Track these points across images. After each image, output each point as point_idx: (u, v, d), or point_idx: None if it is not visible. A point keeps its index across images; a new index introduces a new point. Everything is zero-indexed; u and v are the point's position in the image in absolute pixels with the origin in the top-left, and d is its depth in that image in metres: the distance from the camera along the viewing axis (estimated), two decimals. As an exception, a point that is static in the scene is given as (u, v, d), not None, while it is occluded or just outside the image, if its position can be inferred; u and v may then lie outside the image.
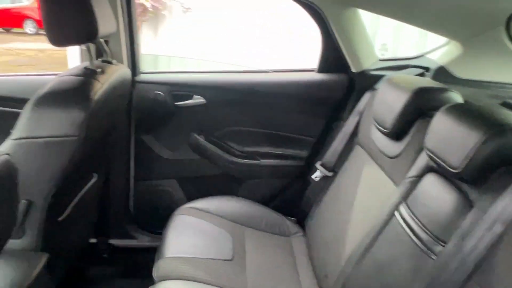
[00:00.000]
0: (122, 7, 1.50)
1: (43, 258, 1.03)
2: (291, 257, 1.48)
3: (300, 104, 1.69)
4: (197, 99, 1.67)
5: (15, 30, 13.28)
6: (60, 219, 1.19)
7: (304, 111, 1.70)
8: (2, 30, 13.50)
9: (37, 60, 8.68)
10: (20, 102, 1.28)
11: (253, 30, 5.18)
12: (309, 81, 1.69)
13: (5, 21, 13.37)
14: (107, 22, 1.15)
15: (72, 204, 1.26)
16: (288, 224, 1.61)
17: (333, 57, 1.63)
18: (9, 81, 1.66)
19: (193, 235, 1.40)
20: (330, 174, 1.55)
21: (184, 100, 1.67)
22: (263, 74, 1.75)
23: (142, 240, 1.79)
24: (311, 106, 1.69)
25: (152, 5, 6.04)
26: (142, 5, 5.99)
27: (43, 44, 10.41)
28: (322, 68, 1.69)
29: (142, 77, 1.67)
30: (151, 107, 1.66)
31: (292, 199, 1.73)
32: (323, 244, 1.41)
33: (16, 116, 1.03)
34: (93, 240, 1.76)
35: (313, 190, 1.60)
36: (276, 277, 1.35)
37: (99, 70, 1.17)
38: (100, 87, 1.11)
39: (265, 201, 1.72)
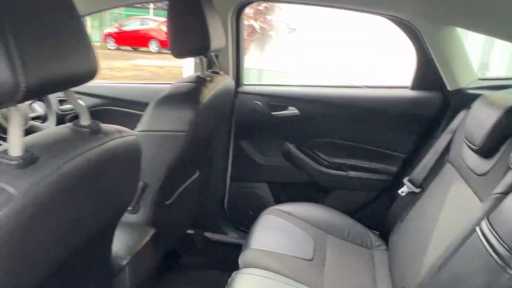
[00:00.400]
0: (231, 27, 1.72)
1: (151, 232, 1.24)
2: (370, 269, 1.50)
3: (392, 120, 1.72)
4: (292, 110, 1.80)
5: (141, 49, 15.03)
6: (167, 202, 1.40)
7: (395, 127, 1.73)
8: (131, 49, 15.37)
9: (157, 75, 9.76)
10: (143, 105, 1.55)
11: (350, 48, 5.30)
12: (402, 98, 1.72)
13: (134, 41, 15.24)
14: (218, 39, 1.35)
15: (177, 192, 1.47)
16: (371, 236, 1.64)
17: (428, 75, 1.64)
18: (136, 88, 1.99)
19: (277, 233, 1.51)
20: (417, 190, 1.55)
21: (279, 111, 1.81)
22: (357, 89, 1.82)
23: (232, 236, 1.96)
24: (403, 123, 1.71)
25: (261, 26, 6.44)
26: (251, 26, 6.42)
27: (163, 61, 11.64)
28: (416, 85, 1.70)
29: (244, 88, 1.87)
30: (250, 116, 1.84)
31: (377, 212, 1.75)
32: (404, 258, 1.42)
33: (139, 117, 1.27)
34: (190, 231, 1.97)
35: (398, 205, 1.61)
36: (353, 284, 1.39)
37: (208, 78, 1.38)
38: (208, 93, 1.30)
39: (350, 212, 1.77)
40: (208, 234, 1.98)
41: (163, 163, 1.24)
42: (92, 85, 1.88)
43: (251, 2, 1.74)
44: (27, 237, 0.57)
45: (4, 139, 1.51)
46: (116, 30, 16.26)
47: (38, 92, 0.57)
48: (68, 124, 0.75)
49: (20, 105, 0.58)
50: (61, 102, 1.93)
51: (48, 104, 1.80)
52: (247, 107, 1.84)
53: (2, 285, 0.56)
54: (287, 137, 1.86)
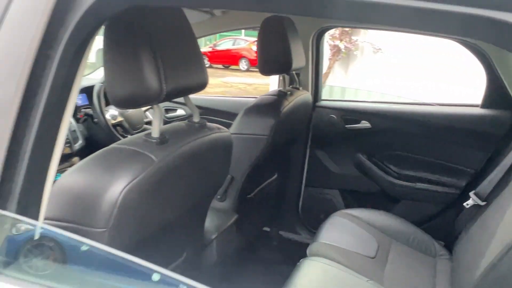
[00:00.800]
0: (312, 49, 1.96)
1: (234, 217, 1.51)
2: (431, 276, 1.59)
3: (462, 136, 1.81)
4: (364, 124, 1.97)
5: (232, 67, 15.94)
6: (249, 196, 1.66)
7: (464, 143, 1.81)
8: (222, 67, 16.36)
9: (245, 92, 10.35)
10: (231, 115, 1.84)
11: (429, 72, 5.33)
12: (472, 116, 1.80)
13: (226, 59, 16.22)
14: (299, 60, 1.60)
15: (258, 189, 1.73)
16: (436, 245, 1.72)
17: (497, 94, 1.71)
18: (226, 101, 2.32)
19: (343, 232, 1.68)
20: (482, 203, 1.62)
21: (352, 124, 2.00)
22: (427, 106, 1.94)
23: (304, 237, 2.16)
24: (472, 139, 1.79)
25: (346, 46, 6.62)
26: (336, 46, 6.64)
27: (252, 79, 12.26)
28: (486, 104, 1.78)
29: (321, 103, 2.09)
30: (326, 128, 2.05)
31: (443, 224, 1.83)
32: (465, 268, 1.49)
33: (227, 124, 1.56)
34: (266, 229, 2.21)
35: (464, 217, 1.69)
36: (411, 286, 1.50)
37: (288, 93, 1.63)
38: (287, 104, 1.55)
39: (416, 222, 1.87)
40: (282, 233, 2.21)
41: (247, 160, 1.50)
42: (194, 97, 2.24)
43: (331, 28, 1.96)
44: (156, 193, 0.85)
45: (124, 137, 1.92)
46: (210, 49, 17.46)
47: (172, 96, 0.86)
48: (185, 121, 1.05)
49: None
50: (167, 111, 2.35)
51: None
52: (323, 120, 2.05)
53: (127, 230, 0.81)
54: (359, 148, 2.03)
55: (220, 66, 16.51)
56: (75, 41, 0.59)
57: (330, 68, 6.78)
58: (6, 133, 0.56)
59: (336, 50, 6.69)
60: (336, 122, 2.03)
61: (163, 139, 0.86)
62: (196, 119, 1.02)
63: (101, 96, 1.93)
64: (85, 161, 0.80)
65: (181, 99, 0.98)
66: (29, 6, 0.57)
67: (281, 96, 1.59)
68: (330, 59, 6.66)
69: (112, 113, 1.98)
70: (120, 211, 0.74)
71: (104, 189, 0.73)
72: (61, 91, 0.60)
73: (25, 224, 0.54)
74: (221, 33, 17.02)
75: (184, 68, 0.89)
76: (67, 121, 0.64)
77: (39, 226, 0.56)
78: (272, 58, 1.53)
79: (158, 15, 0.83)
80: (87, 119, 1.94)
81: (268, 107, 1.52)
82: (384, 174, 1.98)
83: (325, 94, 2.78)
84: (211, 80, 12.12)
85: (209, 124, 1.05)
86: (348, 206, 2.04)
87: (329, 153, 2.10)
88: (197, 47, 0.95)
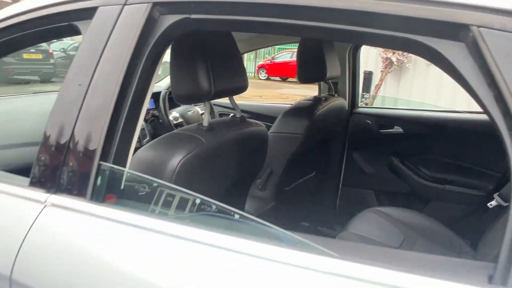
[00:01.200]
0: (349, 61, 2.18)
1: (271, 203, 1.75)
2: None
3: (489, 141, 1.92)
4: (397, 129, 2.15)
5: (290, 79, 16.24)
6: (286, 188, 1.90)
7: (492, 147, 1.92)
8: (279, 79, 16.70)
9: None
10: (274, 119, 2.10)
11: None
12: None
13: (283, 72, 16.57)
14: (333, 70, 1.83)
15: (295, 183, 1.96)
16: (462, 243, 1.85)
17: None
18: (270, 107, 2.59)
19: (372, 225, 1.86)
20: (505, 204, 1.74)
21: (386, 129, 2.18)
22: (457, 113, 2.08)
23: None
24: (499, 143, 1.90)
25: (398, 59, 6.66)
26: (388, 59, 6.70)
27: (307, 90, 12.48)
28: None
29: (358, 109, 2.29)
30: (362, 132, 2.24)
31: (470, 224, 1.95)
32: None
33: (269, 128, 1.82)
34: (305, 223, 2.43)
35: (488, 217, 1.81)
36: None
37: (323, 98, 1.86)
38: (321, 108, 1.79)
39: (444, 222, 2.00)
40: (320, 228, 2.41)
41: (284, 156, 1.75)
42: (242, 103, 2.54)
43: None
44: (204, 167, 1.12)
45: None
46: (268, 62, 17.92)
47: (218, 96, 1.14)
48: (229, 116, 1.32)
49: (200, 112, 1.16)
50: (221, 115, 2.66)
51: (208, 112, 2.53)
52: (360, 125, 2.25)
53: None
54: (392, 152, 2.20)
55: (278, 78, 16.91)
56: (152, 55, 0.88)
57: (382, 80, 6.84)
58: (106, 121, 0.86)
59: (388, 63, 6.75)
60: (371, 127, 2.22)
61: (211, 127, 1.15)
62: (238, 115, 1.30)
63: (166, 100, 2.28)
64: (154, 141, 1.10)
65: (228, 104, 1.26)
66: (126, 31, 0.87)
67: (316, 101, 1.83)
68: (382, 71, 6.74)
69: (174, 115, 2.34)
70: (177, 177, 1.02)
71: (167, 160, 1.02)
72: (140, 94, 0.89)
73: (119, 170, 0.84)
74: (279, 46, 17.46)
75: (228, 75, 1.16)
76: (142, 117, 0.93)
77: (126, 171, 0.86)
78: (308, 67, 1.77)
79: (210, 34, 1.11)
80: (154, 120, 2.30)
81: (302, 110, 1.76)
82: (415, 176, 2.14)
83: (376, 103, 2.94)
84: (268, 92, 12.54)
85: (248, 119, 1.32)
86: (381, 205, 2.21)
87: (364, 155, 2.29)
88: (239, 58, 1.23)
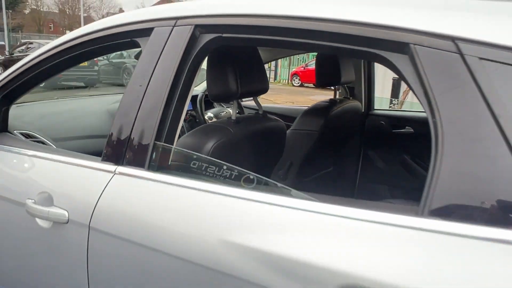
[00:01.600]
0: (364, 68, 2.43)
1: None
2: None
3: None
4: (408, 129, 2.37)
5: (322, 85, 16.34)
6: (305, 180, 2.16)
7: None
8: (313, 86, 16.89)
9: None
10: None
11: None
12: None
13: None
14: (347, 76, 2.09)
15: (313, 176, 2.22)
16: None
17: None
18: (292, 108, 2.87)
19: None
20: None
21: (398, 129, 2.40)
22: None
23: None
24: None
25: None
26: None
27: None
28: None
29: (374, 111, 2.53)
30: (377, 132, 2.48)
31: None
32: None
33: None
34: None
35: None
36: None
37: (338, 101, 2.12)
38: (336, 109, 2.05)
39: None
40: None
41: (302, 149, 2.02)
42: (270, 105, 2.84)
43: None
44: (232, 152, 1.41)
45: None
46: (301, 69, 18.15)
47: (244, 96, 1.43)
48: (253, 112, 1.61)
49: (231, 112, 1.46)
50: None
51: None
52: (375, 125, 2.49)
53: None
54: (404, 150, 2.42)
55: (311, 85, 17.11)
56: (193, 64, 1.18)
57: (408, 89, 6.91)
58: (159, 113, 1.16)
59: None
60: (385, 127, 2.45)
61: (238, 121, 1.44)
62: (260, 111, 1.59)
63: (202, 102, 2.61)
64: (193, 131, 1.41)
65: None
66: (175, 45, 1.18)
67: (332, 103, 2.09)
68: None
69: (209, 115, 2.66)
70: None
71: (203, 145, 1.32)
72: (184, 94, 1.19)
73: (168, 147, 1.15)
74: (313, 54, 17.64)
75: (252, 80, 1.46)
76: (185, 111, 1.24)
77: (173, 148, 1.17)
78: (325, 73, 2.04)
79: (237, 48, 1.41)
80: (191, 119, 2.64)
81: (319, 110, 2.03)
82: (424, 172, 2.34)
83: (405, 107, 3.12)
84: (300, 98, 12.78)
85: (269, 115, 1.61)
86: (394, 199, 2.42)
87: (379, 153, 2.52)
88: (261, 66, 1.52)
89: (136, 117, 1.19)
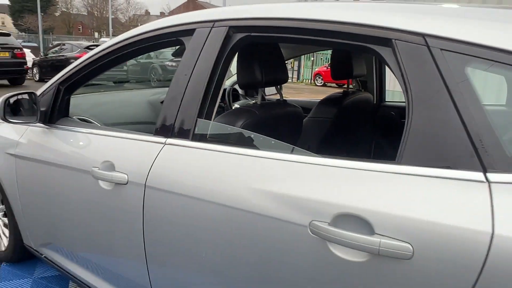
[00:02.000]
0: (375, 62, 2.68)
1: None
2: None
3: None
4: (415, 119, 2.61)
5: (345, 85, 16.45)
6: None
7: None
8: (335, 85, 16.99)
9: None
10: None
11: None
12: None
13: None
14: (359, 70, 2.35)
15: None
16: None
17: None
18: (310, 101, 3.15)
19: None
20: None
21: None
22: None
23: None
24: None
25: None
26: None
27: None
28: None
29: (385, 103, 2.78)
30: (388, 121, 2.73)
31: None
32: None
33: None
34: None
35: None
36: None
37: (351, 92, 2.39)
38: (348, 99, 2.32)
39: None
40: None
41: (318, 134, 2.30)
42: (290, 98, 3.13)
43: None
44: (256, 131, 1.71)
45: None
46: (324, 69, 18.30)
47: (268, 84, 1.72)
48: (275, 99, 1.91)
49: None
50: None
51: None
52: (385, 116, 2.74)
53: None
54: None
55: (334, 84, 17.25)
56: (227, 58, 1.49)
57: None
58: (200, 96, 1.46)
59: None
60: (394, 117, 2.70)
61: (262, 105, 1.74)
62: (281, 98, 1.88)
63: (230, 94, 2.93)
64: (224, 113, 1.72)
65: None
66: (212, 43, 1.48)
67: (344, 94, 2.37)
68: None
69: (236, 107, 2.98)
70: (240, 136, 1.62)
71: (233, 124, 1.62)
72: (219, 82, 1.49)
73: (208, 123, 1.46)
74: (335, 53, 17.73)
75: (273, 71, 1.75)
76: (219, 98, 1.53)
77: (211, 123, 1.47)
78: (338, 68, 2.32)
79: (263, 44, 1.71)
80: (220, 111, 2.95)
81: (332, 100, 2.31)
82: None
83: None
84: (322, 97, 12.93)
85: (289, 102, 1.90)
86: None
87: (390, 140, 2.77)
88: (282, 59, 1.82)
89: (182, 99, 1.51)
